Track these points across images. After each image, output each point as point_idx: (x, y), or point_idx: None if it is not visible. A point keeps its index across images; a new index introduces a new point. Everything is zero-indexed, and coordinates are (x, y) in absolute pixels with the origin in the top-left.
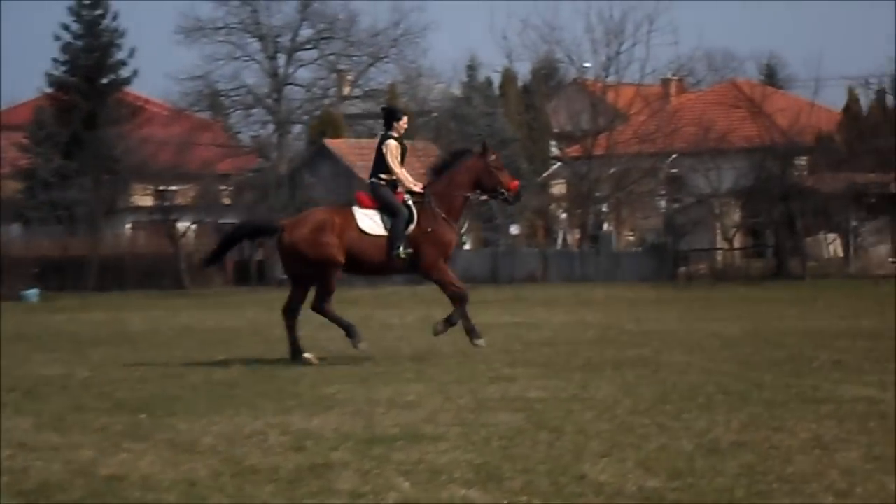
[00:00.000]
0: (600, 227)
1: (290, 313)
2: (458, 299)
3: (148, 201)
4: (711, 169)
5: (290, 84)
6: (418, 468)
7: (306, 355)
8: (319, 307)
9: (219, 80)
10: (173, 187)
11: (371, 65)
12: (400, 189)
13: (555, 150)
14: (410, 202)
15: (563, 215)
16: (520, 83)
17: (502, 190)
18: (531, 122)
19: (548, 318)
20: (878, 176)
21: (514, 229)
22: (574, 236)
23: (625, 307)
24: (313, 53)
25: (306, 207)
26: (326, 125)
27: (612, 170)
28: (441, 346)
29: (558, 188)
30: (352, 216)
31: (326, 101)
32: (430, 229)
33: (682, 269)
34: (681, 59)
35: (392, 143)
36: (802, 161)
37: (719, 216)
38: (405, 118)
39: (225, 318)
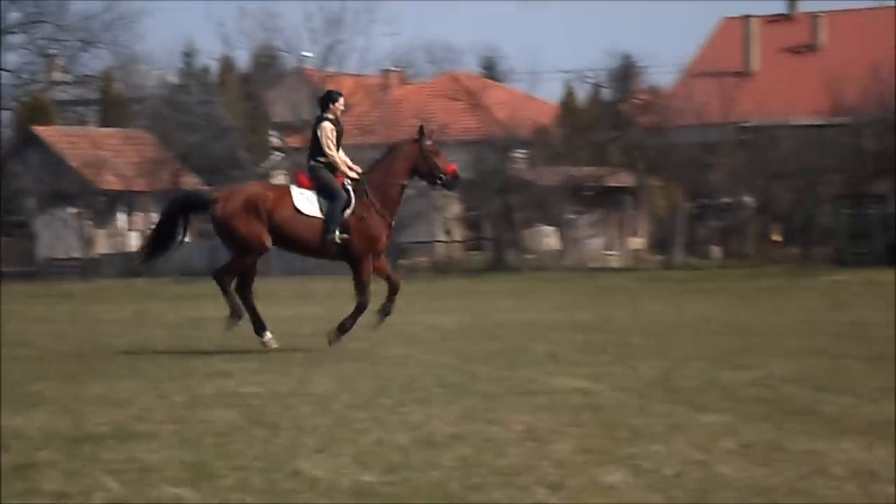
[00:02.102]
0: None
1: (244, 289)
2: (360, 307)
3: None
4: None
5: None
6: (128, 467)
7: (268, 335)
8: (219, 275)
9: None
10: None
11: (83, 50)
12: (339, 172)
13: (275, 141)
14: (350, 186)
15: None
16: (239, 71)
17: (440, 174)
18: (250, 111)
19: (267, 312)
20: (593, 169)
21: None
22: None
23: (345, 300)
24: (21, 37)
25: (13, 197)
26: (35, 111)
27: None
28: (155, 343)
29: (279, 179)
30: (288, 194)
31: (35, 87)
32: (362, 217)
33: (403, 262)
34: (401, 51)
35: (327, 124)
36: (520, 154)
37: (439, 208)
38: (341, 100)
39: None
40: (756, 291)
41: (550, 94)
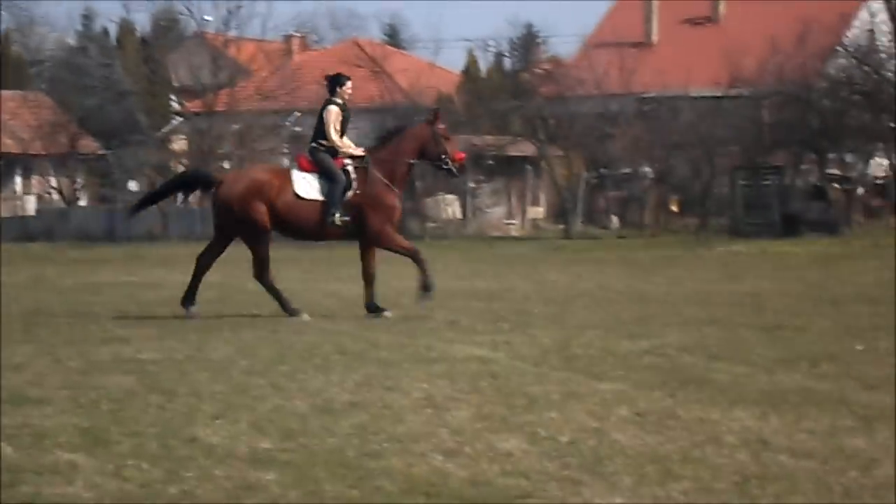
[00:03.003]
0: None
1: (202, 259)
2: (417, 261)
3: None
4: None
5: None
6: (22, 432)
7: (194, 309)
8: (258, 276)
9: None
10: None
11: None
12: (340, 155)
13: (175, 105)
14: (350, 168)
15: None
16: (138, 34)
17: (447, 160)
18: (150, 75)
19: (166, 278)
20: (495, 138)
21: (132, 186)
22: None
23: (244, 267)
24: None
25: None
26: None
27: (235, 126)
28: (52, 307)
29: (179, 144)
30: (289, 179)
31: None
32: (372, 193)
33: None
34: (303, 16)
35: (333, 108)
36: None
37: None
38: (349, 83)
39: None
40: (654, 261)
41: (453, 62)
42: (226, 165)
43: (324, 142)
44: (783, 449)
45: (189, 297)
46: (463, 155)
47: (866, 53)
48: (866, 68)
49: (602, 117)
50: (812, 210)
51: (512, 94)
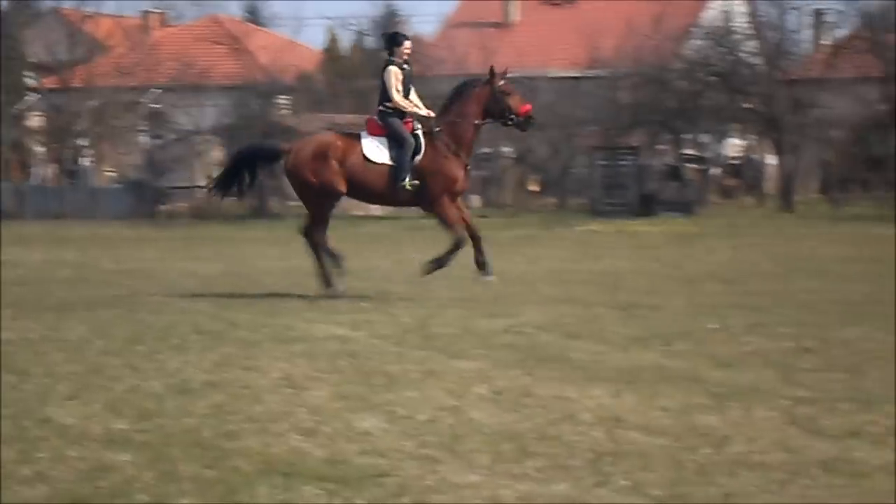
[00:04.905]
0: (78, 161)
1: (314, 237)
2: (455, 242)
3: None
4: (193, 105)
5: None
6: None
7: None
8: (309, 232)
9: None
10: None
11: None
12: (409, 118)
13: (31, 81)
14: (420, 132)
15: (40, 149)
16: None
17: (511, 115)
18: (5, 50)
19: (21, 257)
20: (356, 117)
21: None
22: (51, 171)
23: (102, 245)
24: None
25: None
26: None
27: (92, 103)
28: None
29: (34, 121)
30: (357, 142)
31: None
32: (435, 159)
33: (163, 207)
34: None
35: (394, 69)
36: (283, 100)
37: (200, 154)
38: (407, 42)
39: None
40: (513, 240)
41: (314, 40)
42: (82, 143)
43: (389, 104)
44: (637, 426)
45: (326, 279)
46: (528, 106)
47: (722, 34)
48: (722, 49)
49: None
50: (668, 190)
51: (373, 72)
